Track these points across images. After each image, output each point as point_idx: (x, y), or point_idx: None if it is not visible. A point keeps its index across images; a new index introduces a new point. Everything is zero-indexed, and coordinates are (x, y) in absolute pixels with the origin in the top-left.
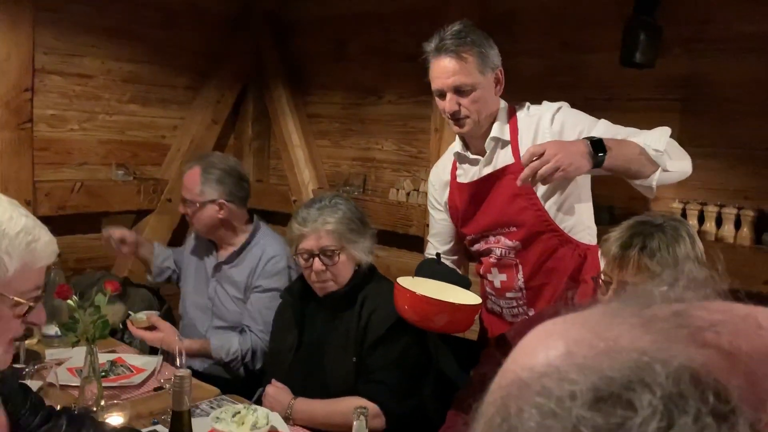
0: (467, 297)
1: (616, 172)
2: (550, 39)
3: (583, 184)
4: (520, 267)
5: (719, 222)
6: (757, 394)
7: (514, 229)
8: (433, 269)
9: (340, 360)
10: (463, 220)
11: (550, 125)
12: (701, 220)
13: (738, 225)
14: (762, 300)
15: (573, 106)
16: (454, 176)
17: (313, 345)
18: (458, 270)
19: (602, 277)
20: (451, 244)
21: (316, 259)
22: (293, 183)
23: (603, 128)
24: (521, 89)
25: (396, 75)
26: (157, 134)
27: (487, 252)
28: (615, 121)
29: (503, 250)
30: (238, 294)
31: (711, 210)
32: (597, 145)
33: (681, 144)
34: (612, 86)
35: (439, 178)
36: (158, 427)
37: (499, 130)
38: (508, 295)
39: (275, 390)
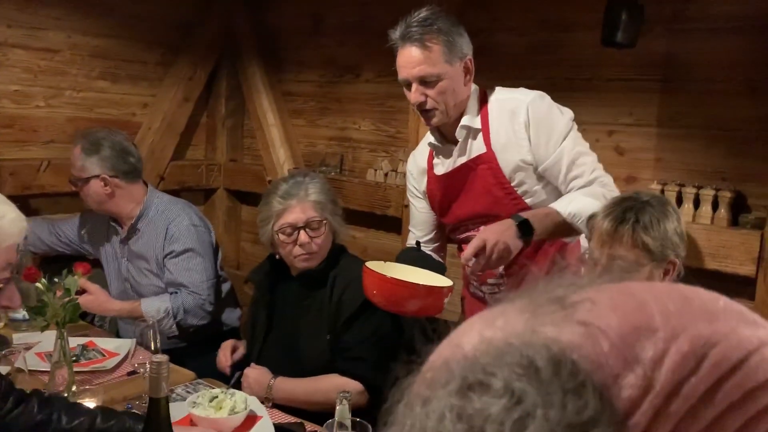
0: (438, 280)
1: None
2: (530, 16)
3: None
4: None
5: (697, 203)
6: (621, 361)
7: (493, 218)
8: (411, 256)
9: (314, 338)
10: (440, 210)
11: (524, 129)
12: (679, 201)
13: (715, 206)
14: (739, 281)
15: (552, 86)
16: (431, 165)
17: (285, 325)
18: (439, 257)
19: (593, 253)
20: (433, 232)
21: (302, 231)
22: (268, 163)
23: (558, 157)
24: (500, 67)
25: (374, 52)
26: (127, 112)
27: (467, 240)
28: (595, 102)
29: None
30: (148, 266)
31: (689, 191)
32: (524, 227)
33: (660, 124)
34: (592, 65)
35: (416, 165)
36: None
37: (470, 118)
38: (490, 281)
39: (255, 371)
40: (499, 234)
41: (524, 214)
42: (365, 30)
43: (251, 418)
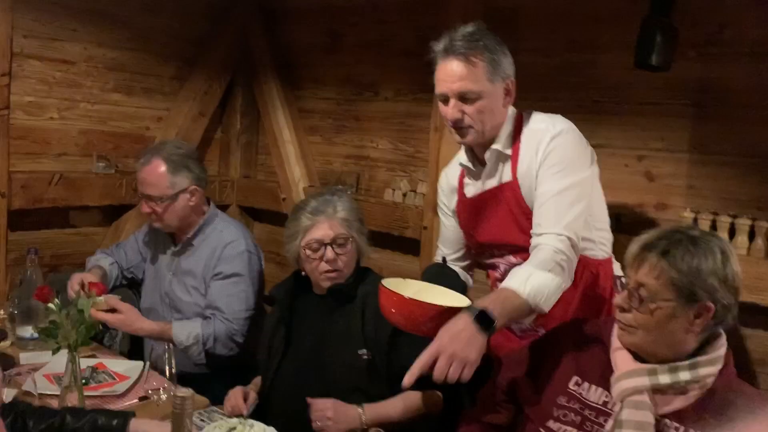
0: (457, 300)
1: None
2: (557, 36)
3: (595, 198)
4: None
5: (732, 233)
6: None
7: (522, 249)
8: (437, 273)
9: (344, 355)
10: (466, 232)
11: (546, 146)
12: (713, 230)
13: (752, 236)
14: None
15: (579, 108)
16: (461, 184)
17: (308, 343)
18: (468, 274)
19: (624, 277)
20: (461, 251)
21: (329, 248)
22: (283, 180)
23: (546, 194)
24: (525, 88)
25: (393, 70)
26: (141, 125)
27: (493, 266)
28: (624, 126)
29: (507, 267)
30: (194, 283)
31: (724, 220)
32: (483, 319)
33: (692, 150)
34: (621, 88)
35: (448, 183)
36: None
37: (502, 142)
38: None
39: (326, 406)
40: (453, 343)
41: (482, 301)
42: (384, 48)
43: None
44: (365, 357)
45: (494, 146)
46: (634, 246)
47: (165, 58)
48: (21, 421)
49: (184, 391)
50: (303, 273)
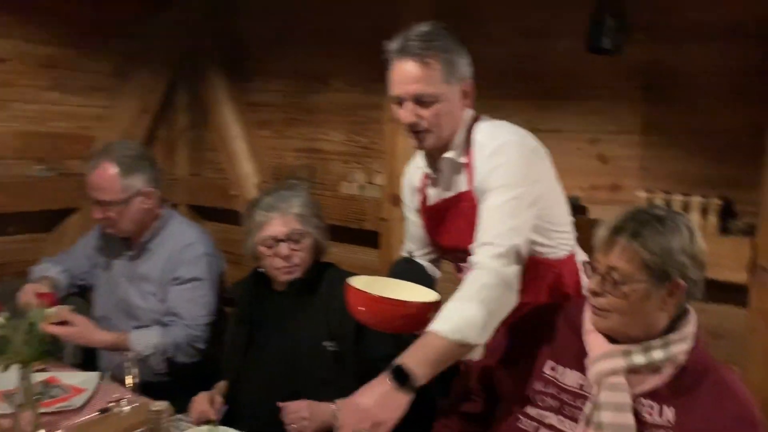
0: (426, 294)
1: None
2: (510, 25)
3: (552, 200)
4: None
5: (685, 211)
6: None
7: None
8: (404, 269)
9: (310, 348)
10: (429, 236)
11: (485, 162)
12: None
13: (704, 214)
14: (732, 289)
15: (534, 95)
16: (424, 186)
17: (273, 340)
18: (435, 267)
19: (593, 262)
20: (428, 247)
21: (283, 244)
22: (233, 177)
23: (490, 203)
24: (480, 78)
25: (344, 61)
26: (80, 125)
27: (458, 268)
28: (578, 111)
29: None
30: (152, 289)
31: (677, 199)
32: (400, 375)
33: (643, 132)
34: (573, 74)
35: (410, 183)
36: None
37: (456, 150)
38: None
39: (305, 406)
40: (365, 413)
41: (405, 353)
42: (334, 39)
43: None
44: (331, 348)
45: (447, 155)
46: (603, 230)
47: (103, 54)
48: None
49: (160, 405)
50: (261, 270)
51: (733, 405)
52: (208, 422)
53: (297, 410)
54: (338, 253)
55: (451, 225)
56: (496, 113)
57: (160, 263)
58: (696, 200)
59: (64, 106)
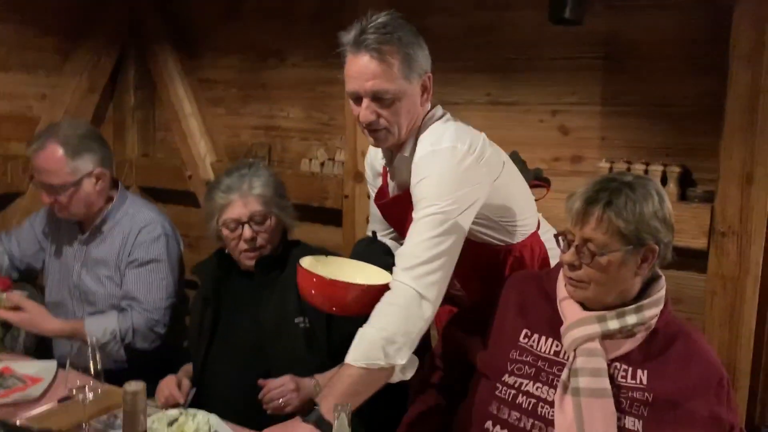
0: (380, 275)
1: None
2: None
3: (514, 193)
4: (453, 280)
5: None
6: None
7: None
8: (365, 249)
9: (281, 326)
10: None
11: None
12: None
13: (664, 182)
14: (692, 255)
15: (492, 67)
16: (385, 170)
17: (241, 321)
18: (399, 245)
19: (566, 234)
20: (390, 228)
21: (246, 226)
22: (187, 156)
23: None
24: (436, 52)
25: (299, 36)
26: (22, 104)
27: None
28: (538, 82)
29: None
30: (107, 273)
31: (637, 168)
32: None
33: (603, 102)
34: (533, 45)
35: (372, 167)
36: None
37: (409, 149)
38: (451, 292)
39: (290, 379)
40: None
41: (319, 399)
42: (288, 13)
43: None
44: (302, 325)
45: (403, 153)
46: (576, 202)
47: (45, 31)
48: None
49: (135, 385)
50: (226, 251)
51: (701, 365)
52: (176, 406)
53: (282, 383)
54: (300, 232)
55: (404, 221)
56: (456, 86)
57: (115, 246)
58: (656, 169)
59: (4, 85)
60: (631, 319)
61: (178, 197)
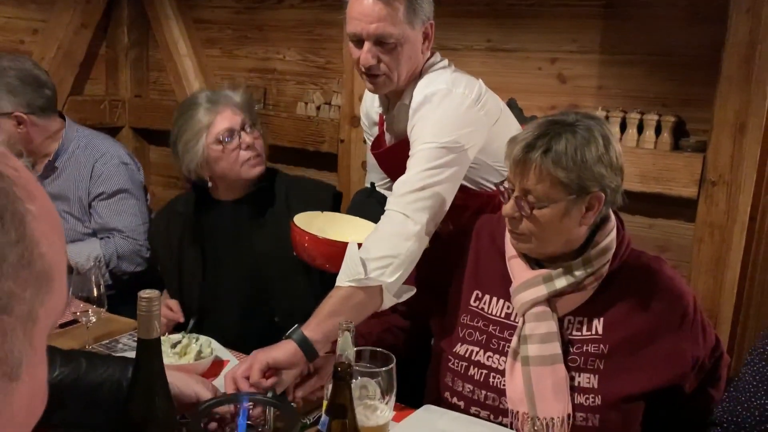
0: (369, 229)
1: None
2: None
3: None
4: (448, 223)
5: (640, 128)
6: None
7: None
8: (360, 202)
9: (283, 258)
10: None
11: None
12: (623, 127)
13: (658, 131)
14: (682, 203)
15: (494, 12)
16: (381, 119)
17: (236, 254)
18: None
19: (506, 184)
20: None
21: (243, 133)
22: (181, 97)
23: (416, 152)
24: None
25: None
26: (13, 38)
27: None
28: (538, 30)
29: None
30: (67, 208)
31: (633, 117)
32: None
33: (602, 51)
34: None
35: (368, 115)
36: None
37: (409, 95)
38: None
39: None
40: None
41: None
42: None
43: (218, 363)
44: (299, 259)
45: (403, 101)
46: (515, 148)
47: None
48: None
49: (150, 292)
50: (209, 182)
51: (663, 301)
52: (177, 329)
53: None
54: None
55: (402, 168)
56: (456, 32)
57: (72, 180)
58: (651, 118)
59: None
60: (579, 273)
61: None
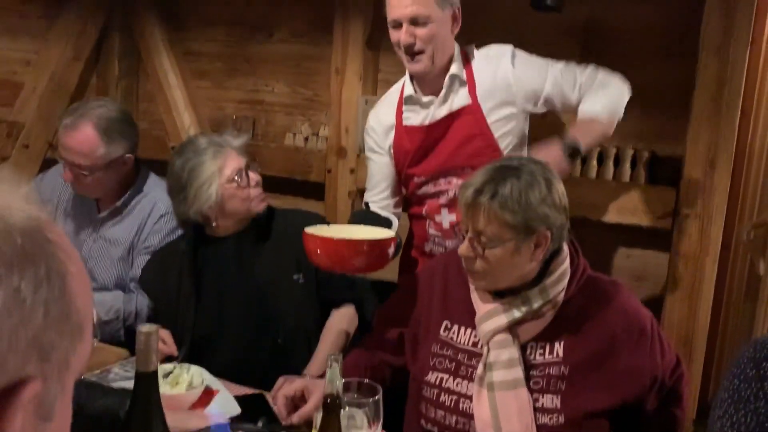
0: (382, 233)
1: None
2: None
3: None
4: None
5: (617, 162)
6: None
7: (469, 170)
8: (361, 216)
9: (283, 284)
10: (412, 162)
11: (512, 68)
12: (600, 160)
13: (634, 165)
14: (657, 234)
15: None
16: (400, 120)
17: (232, 281)
18: (393, 215)
19: (461, 226)
20: (390, 189)
21: (250, 172)
22: (171, 127)
23: (554, 77)
24: None
25: (288, 11)
26: (7, 69)
27: (437, 194)
28: None
29: (455, 191)
30: (120, 253)
31: (610, 151)
32: (573, 151)
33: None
34: (515, 30)
35: (381, 123)
36: None
37: (458, 68)
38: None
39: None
40: (549, 155)
41: (571, 134)
42: None
43: (208, 393)
44: (301, 281)
45: (453, 71)
46: (465, 193)
47: None
48: None
49: (149, 327)
50: (214, 222)
51: (619, 321)
52: (169, 360)
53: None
54: (282, 205)
55: (447, 141)
56: None
57: (132, 228)
58: (627, 152)
59: None
60: (536, 302)
61: (160, 168)
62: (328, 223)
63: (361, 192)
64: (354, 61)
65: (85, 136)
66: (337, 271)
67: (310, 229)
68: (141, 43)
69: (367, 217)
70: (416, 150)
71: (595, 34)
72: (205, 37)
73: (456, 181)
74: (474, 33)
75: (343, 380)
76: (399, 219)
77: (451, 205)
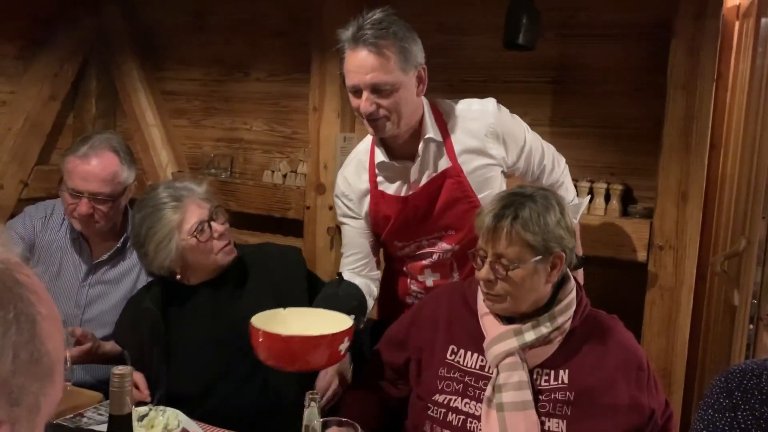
0: (338, 320)
1: None
2: (427, 19)
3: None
4: (455, 265)
5: (591, 196)
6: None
7: (452, 232)
8: (330, 295)
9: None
10: (393, 229)
11: (491, 127)
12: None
13: (607, 199)
14: (632, 266)
15: (449, 87)
16: (374, 184)
17: (207, 327)
18: (373, 275)
19: (479, 252)
20: (369, 252)
21: (213, 223)
22: (148, 166)
23: (531, 144)
24: None
25: (265, 51)
26: None
27: (420, 256)
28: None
29: (439, 254)
30: (122, 295)
31: (583, 186)
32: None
33: (553, 123)
34: (488, 68)
35: (353, 189)
36: None
37: (432, 130)
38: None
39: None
40: None
41: None
42: (254, 28)
43: None
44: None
45: (427, 135)
46: (485, 219)
47: (6, 37)
48: None
49: (122, 369)
50: (179, 275)
51: (619, 354)
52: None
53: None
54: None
55: (427, 213)
56: None
57: (131, 266)
58: (600, 186)
59: None
60: (545, 328)
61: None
62: (302, 256)
63: (340, 228)
64: (332, 99)
65: (108, 161)
66: (283, 369)
67: (258, 320)
68: (119, 83)
69: (336, 294)
70: (396, 217)
71: (566, 72)
72: (183, 77)
73: (441, 244)
74: (445, 72)
75: (322, 420)
76: (378, 281)
77: (435, 265)
